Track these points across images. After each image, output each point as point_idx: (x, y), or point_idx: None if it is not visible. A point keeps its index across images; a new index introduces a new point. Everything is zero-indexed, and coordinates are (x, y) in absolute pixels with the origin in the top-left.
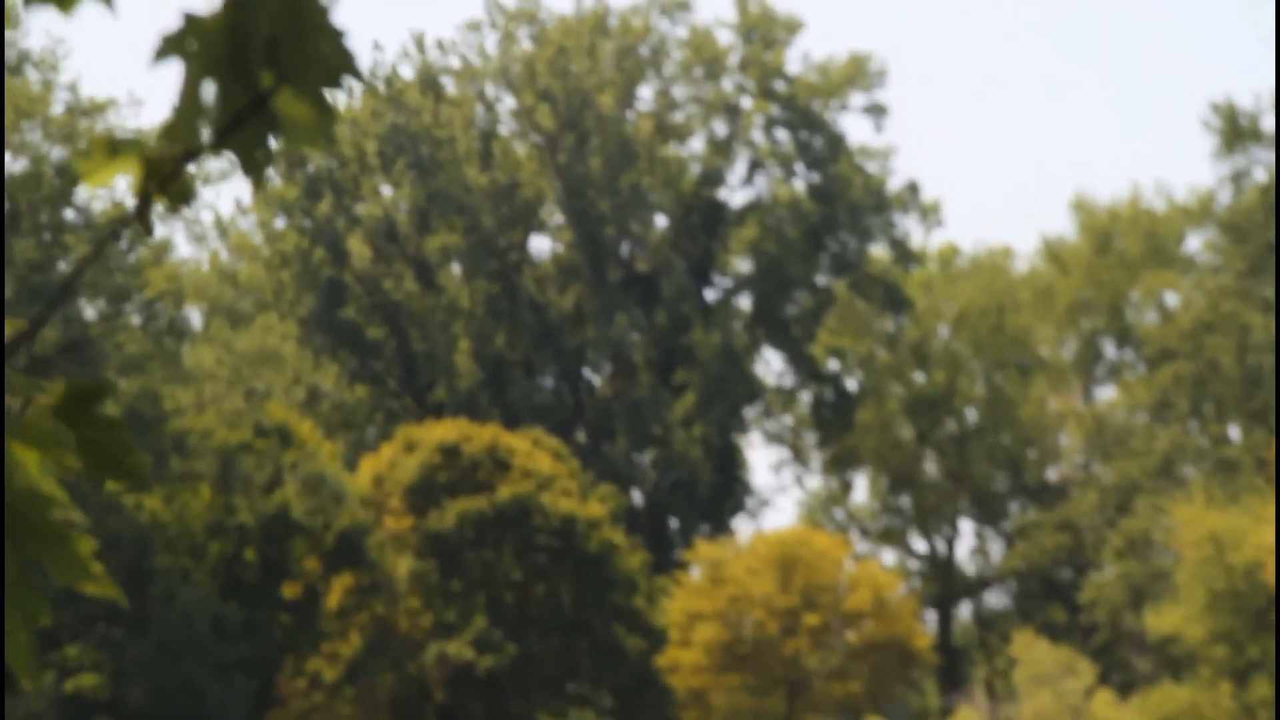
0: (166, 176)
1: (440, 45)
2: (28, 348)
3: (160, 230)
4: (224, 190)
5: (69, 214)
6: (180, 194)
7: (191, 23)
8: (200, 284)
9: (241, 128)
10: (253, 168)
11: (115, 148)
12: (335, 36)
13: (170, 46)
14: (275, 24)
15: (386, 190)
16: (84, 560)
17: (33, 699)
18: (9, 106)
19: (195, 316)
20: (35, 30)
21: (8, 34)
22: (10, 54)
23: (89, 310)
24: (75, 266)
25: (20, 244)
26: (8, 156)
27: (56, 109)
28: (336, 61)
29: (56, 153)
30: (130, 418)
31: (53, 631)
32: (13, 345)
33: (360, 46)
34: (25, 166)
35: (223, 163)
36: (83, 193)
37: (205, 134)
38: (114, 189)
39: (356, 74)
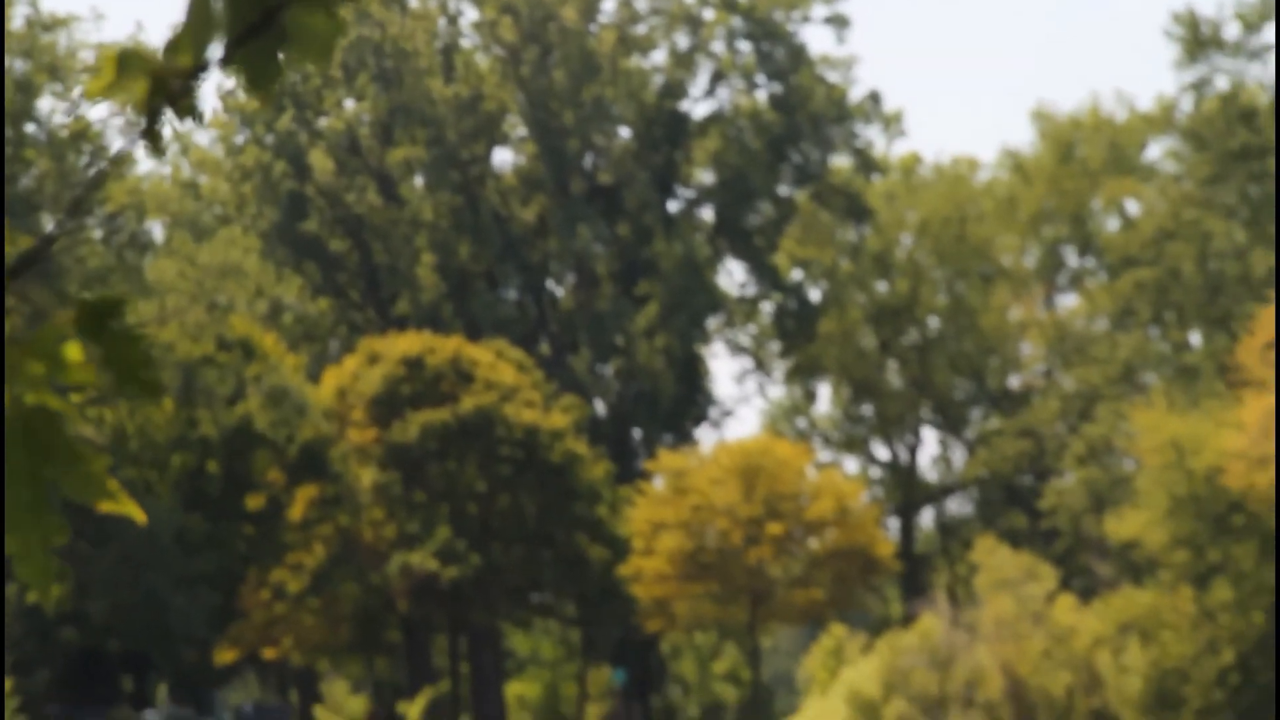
0: (176, 92)
1: None
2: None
3: (122, 144)
4: None
5: (29, 128)
6: (189, 109)
7: None
8: (162, 198)
9: (251, 41)
10: (262, 83)
11: (124, 62)
12: None
13: None
14: None
15: (349, 103)
16: (99, 477)
17: None
18: None
19: (157, 230)
20: None
21: None
22: None
23: (49, 224)
24: (85, 184)
25: None
26: None
27: (16, 23)
28: None
29: (18, 66)
30: None
31: None
32: (23, 264)
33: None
34: None
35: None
36: (43, 106)
37: (213, 48)
38: (78, 104)
39: None
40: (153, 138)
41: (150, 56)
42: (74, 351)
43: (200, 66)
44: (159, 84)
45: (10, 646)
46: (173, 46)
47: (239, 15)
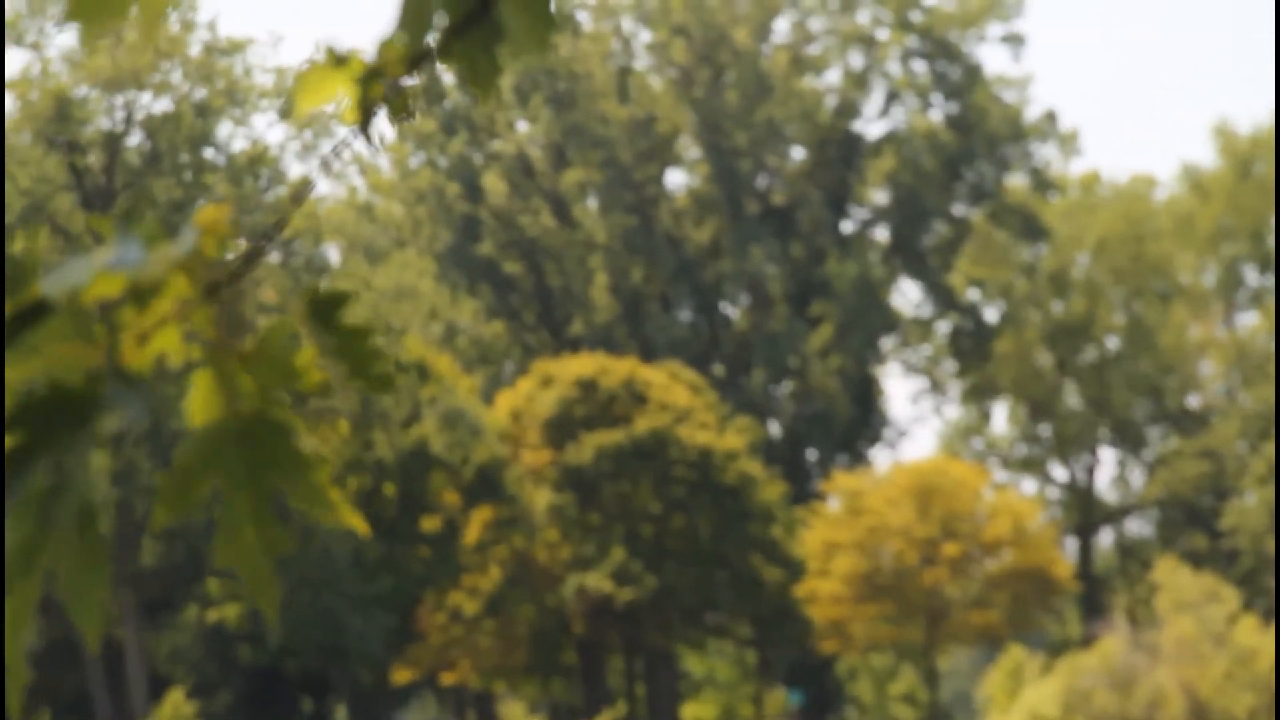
0: (390, 89)
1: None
2: None
3: (298, 168)
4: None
5: (209, 153)
6: (402, 107)
7: None
8: (337, 221)
9: (465, 36)
10: (479, 78)
11: (337, 61)
12: None
13: None
14: None
15: (523, 126)
16: (323, 488)
17: (178, 632)
18: (148, 47)
19: (333, 254)
20: None
21: None
22: None
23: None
24: (288, 199)
25: (161, 184)
26: (148, 96)
27: (194, 49)
28: None
29: (196, 93)
30: None
31: (195, 565)
32: (235, 277)
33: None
34: (165, 107)
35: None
36: (223, 132)
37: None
38: (253, 128)
39: None
40: (368, 135)
41: (358, 56)
42: (302, 356)
43: (416, 60)
44: (373, 80)
45: (190, 668)
46: (386, 42)
47: (454, 7)
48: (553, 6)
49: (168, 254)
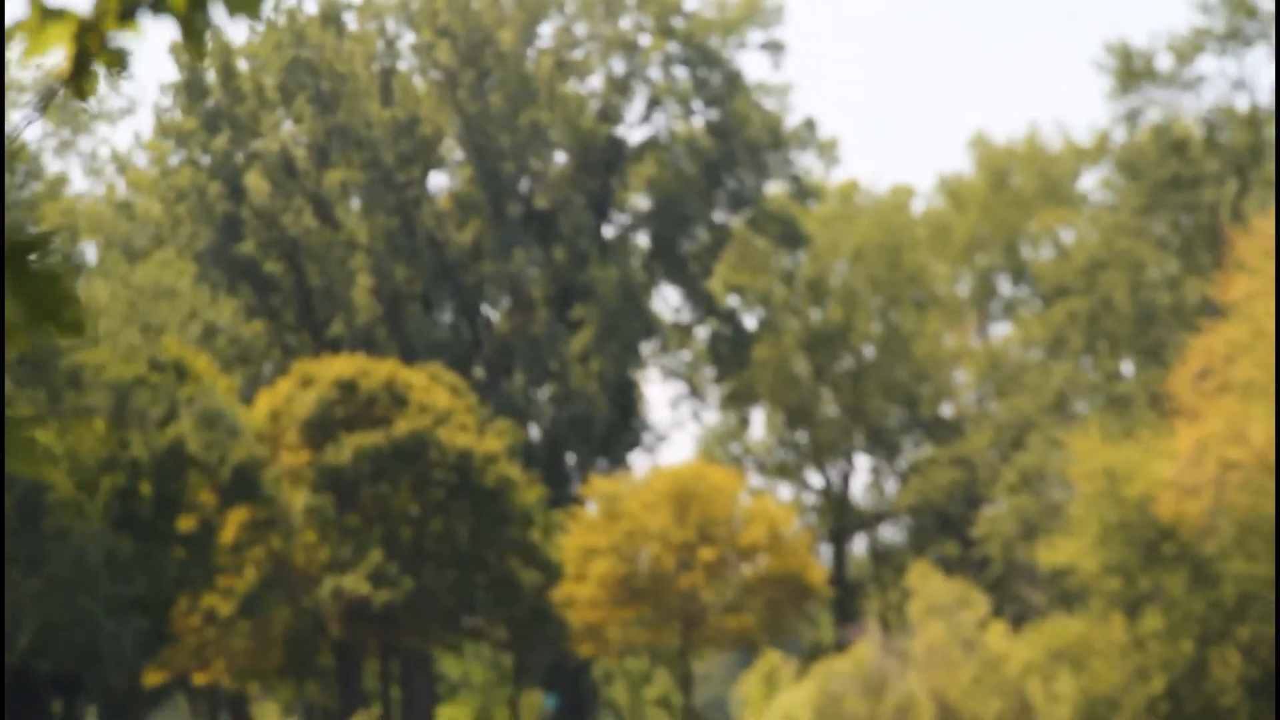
0: (103, 40)
1: None
2: None
3: (56, 165)
4: (122, 126)
5: None
6: (117, 59)
7: None
8: (96, 218)
9: None
10: (192, 35)
11: (50, 14)
12: None
13: None
14: None
15: (286, 125)
16: (31, 443)
17: None
18: None
19: (91, 251)
20: None
21: None
22: None
23: None
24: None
25: None
26: None
27: None
28: None
29: None
30: (24, 352)
31: None
32: None
33: None
34: None
35: (122, 99)
36: None
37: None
38: (7, 121)
39: None
40: (80, 86)
41: (73, 11)
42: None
43: (128, 11)
44: (87, 31)
45: None
46: None
47: None
48: None
49: None
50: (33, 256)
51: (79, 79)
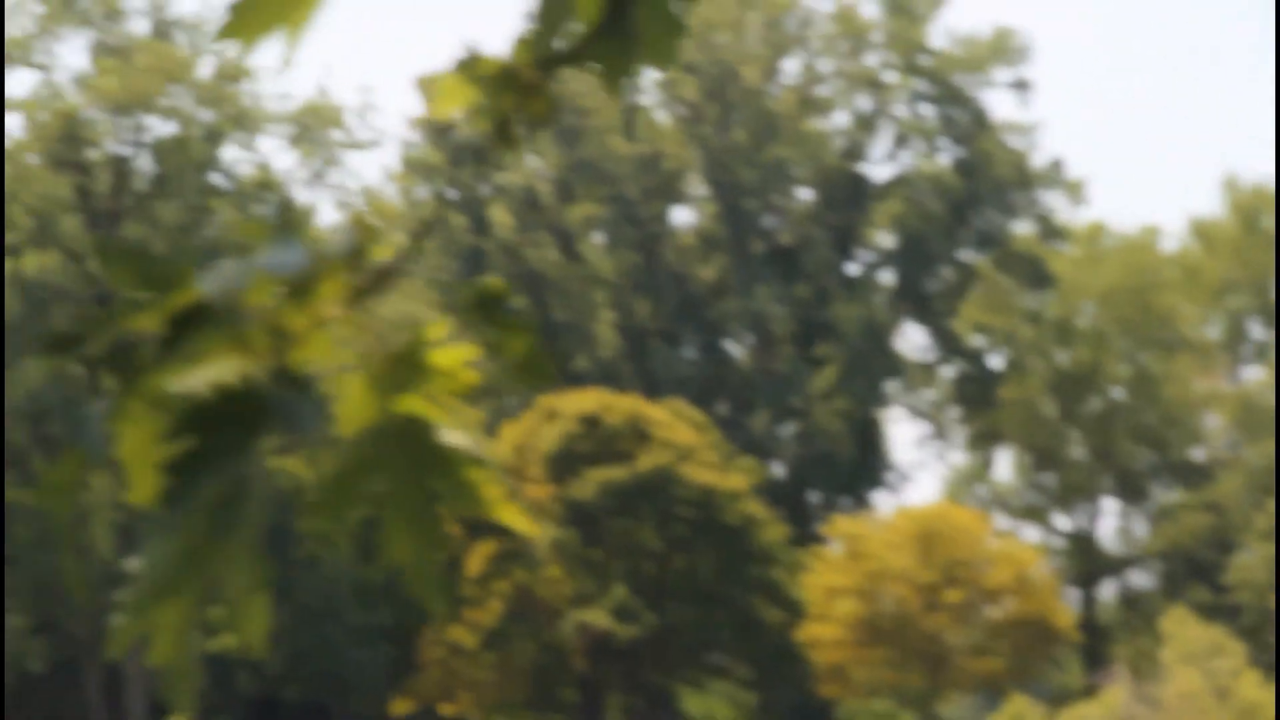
0: (528, 92)
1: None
2: None
3: (305, 196)
4: (370, 158)
5: (215, 177)
6: (542, 111)
7: None
8: None
9: (599, 41)
10: (611, 83)
11: (467, 66)
12: None
13: None
14: None
15: (531, 160)
16: (476, 485)
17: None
18: (158, 70)
19: None
20: None
21: None
22: (159, 18)
23: None
24: (428, 214)
25: (167, 207)
26: (156, 120)
27: (204, 73)
28: None
29: (204, 116)
30: None
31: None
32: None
33: (512, 14)
34: (173, 130)
35: (372, 132)
36: (228, 155)
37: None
38: (260, 153)
39: None
40: (507, 139)
41: (491, 60)
42: (448, 357)
43: (553, 63)
44: (509, 83)
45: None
46: (521, 45)
47: (589, 13)
48: (681, 14)
49: (328, 254)
50: (501, 307)
51: (505, 133)
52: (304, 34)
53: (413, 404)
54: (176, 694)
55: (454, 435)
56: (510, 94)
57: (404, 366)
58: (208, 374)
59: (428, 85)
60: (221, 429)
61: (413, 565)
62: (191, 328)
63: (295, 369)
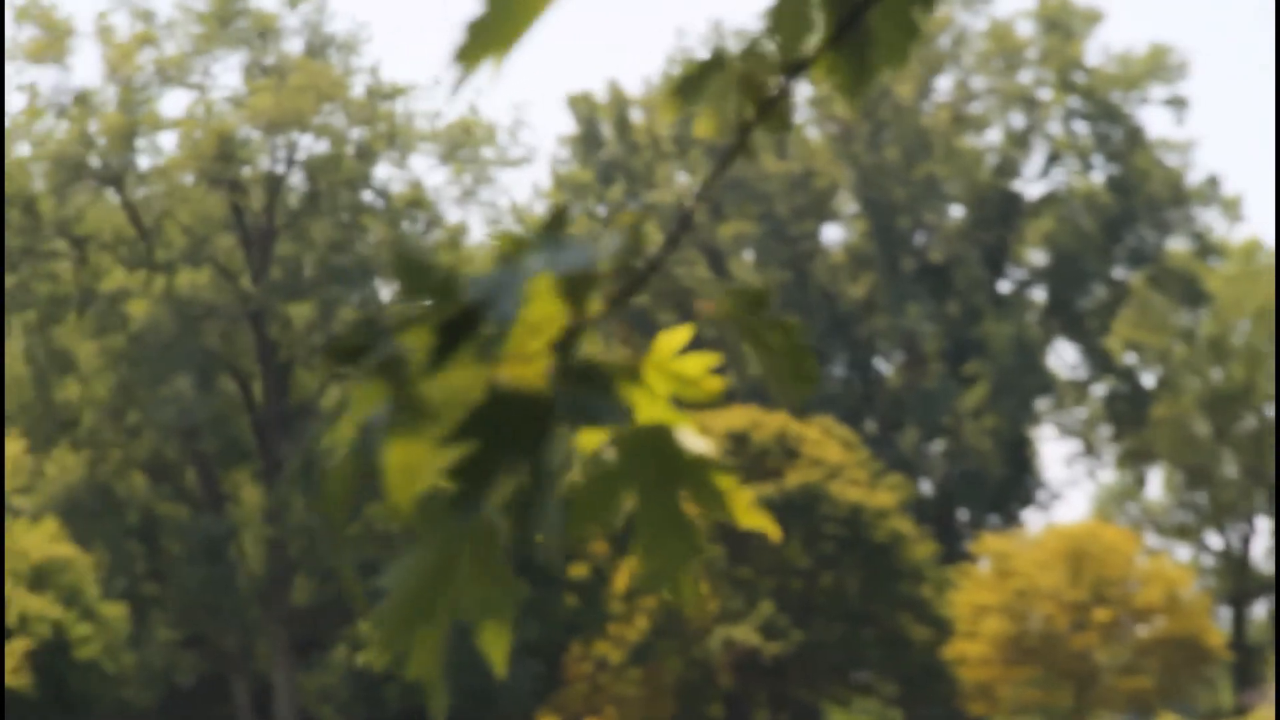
0: (770, 98)
1: (740, 33)
2: (324, 328)
3: (455, 214)
4: (520, 175)
5: (367, 195)
6: (782, 118)
7: None
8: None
9: (838, 45)
10: (848, 87)
11: (709, 68)
12: None
13: None
14: None
15: (681, 177)
16: (725, 491)
17: (327, 672)
18: (311, 89)
19: None
20: (339, 14)
21: (313, 17)
22: (313, 37)
23: (384, 292)
24: (685, 213)
25: (319, 225)
26: (309, 138)
27: (357, 91)
28: None
29: (356, 134)
30: None
31: (345, 605)
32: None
33: (661, 32)
34: (326, 148)
35: (523, 149)
36: (381, 174)
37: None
38: (411, 170)
39: None
40: (747, 148)
41: (732, 62)
42: (694, 364)
43: (794, 68)
44: (751, 89)
45: (338, 708)
46: (755, 50)
47: (829, 14)
48: (919, 19)
49: (609, 252)
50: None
51: (745, 142)
52: (514, 50)
53: (659, 411)
54: (433, 705)
55: (699, 441)
56: (749, 101)
57: (654, 372)
58: (488, 377)
59: (670, 83)
60: (503, 432)
61: (665, 572)
62: (464, 333)
63: (583, 364)
